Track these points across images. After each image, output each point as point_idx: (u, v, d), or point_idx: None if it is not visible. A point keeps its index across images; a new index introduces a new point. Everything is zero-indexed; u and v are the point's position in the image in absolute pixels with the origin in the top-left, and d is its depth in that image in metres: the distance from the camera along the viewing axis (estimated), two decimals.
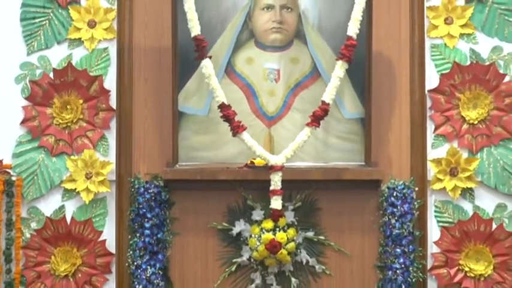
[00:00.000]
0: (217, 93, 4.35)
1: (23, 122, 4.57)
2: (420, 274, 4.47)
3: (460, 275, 4.52)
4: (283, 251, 4.39)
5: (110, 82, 4.59)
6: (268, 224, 4.41)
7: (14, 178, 4.50)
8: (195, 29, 4.34)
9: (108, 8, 4.59)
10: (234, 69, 4.64)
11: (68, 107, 4.56)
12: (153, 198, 4.48)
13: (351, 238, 4.54)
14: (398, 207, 4.46)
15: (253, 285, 4.49)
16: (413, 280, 4.45)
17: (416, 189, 4.50)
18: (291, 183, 4.42)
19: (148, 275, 4.46)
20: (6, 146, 4.57)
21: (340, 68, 4.36)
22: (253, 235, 4.41)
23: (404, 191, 4.48)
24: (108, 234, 4.55)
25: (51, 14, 4.60)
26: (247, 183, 4.49)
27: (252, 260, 4.50)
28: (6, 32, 4.60)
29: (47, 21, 4.59)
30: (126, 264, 4.48)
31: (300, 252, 4.51)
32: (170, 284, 4.51)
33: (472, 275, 4.51)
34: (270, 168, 4.35)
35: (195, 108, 4.64)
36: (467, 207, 4.56)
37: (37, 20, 4.60)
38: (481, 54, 4.60)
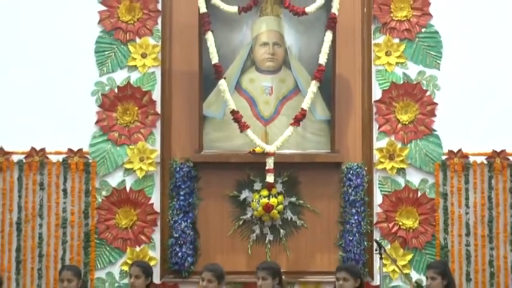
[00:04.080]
0: (229, 103, 5.33)
1: (96, 122, 5.55)
2: (369, 227, 5.42)
3: (396, 228, 5.50)
4: (275, 211, 5.33)
5: (156, 95, 5.53)
6: (265, 192, 5.35)
7: (90, 161, 5.52)
8: (214, 58, 5.29)
9: (155, 44, 5.56)
10: (241, 87, 5.51)
11: (128, 112, 5.54)
12: (186, 174, 5.38)
13: (321, 202, 5.46)
14: (353, 181, 5.39)
15: (254, 234, 5.43)
16: (364, 231, 5.38)
17: (366, 168, 5.43)
18: (280, 165, 5.36)
19: (182, 227, 5.33)
20: (85, 139, 5.52)
21: (313, 86, 5.34)
22: (254, 200, 5.36)
23: (358, 170, 5.42)
24: (155, 199, 5.47)
25: (116, 48, 5.58)
26: (250, 164, 5.40)
27: (253, 217, 5.41)
28: (85, 61, 5.53)
29: (113, 53, 5.56)
30: (167, 220, 5.38)
31: (286, 211, 5.44)
32: (197, 234, 5.41)
33: (404, 227, 5.49)
34: (265, 154, 5.29)
35: (214, 113, 5.51)
36: (401, 181, 5.54)
37: (106, 52, 5.56)
38: (410, 76, 5.59)
